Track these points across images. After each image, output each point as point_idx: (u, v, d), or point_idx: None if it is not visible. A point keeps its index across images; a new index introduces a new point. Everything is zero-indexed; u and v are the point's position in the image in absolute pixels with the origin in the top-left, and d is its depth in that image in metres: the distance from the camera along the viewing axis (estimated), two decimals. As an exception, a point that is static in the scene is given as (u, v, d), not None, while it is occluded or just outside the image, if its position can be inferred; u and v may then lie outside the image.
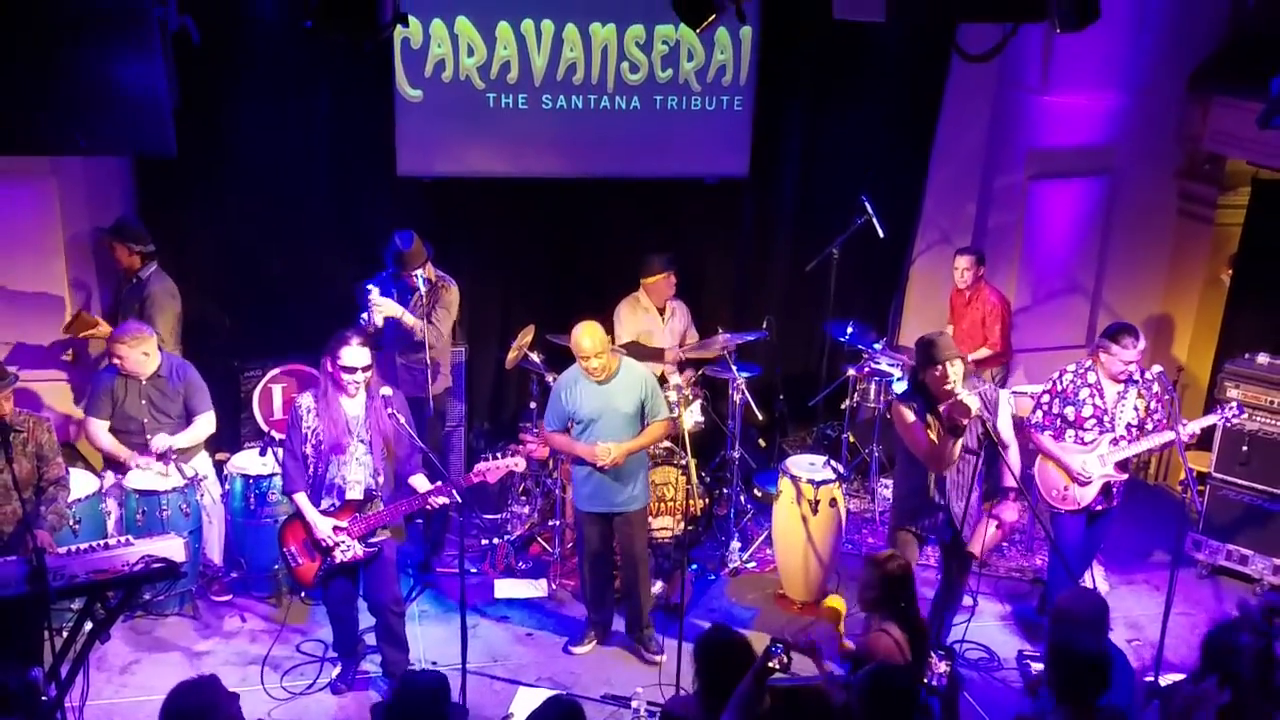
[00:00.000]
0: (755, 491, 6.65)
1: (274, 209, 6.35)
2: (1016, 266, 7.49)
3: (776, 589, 5.95)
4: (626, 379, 5.01)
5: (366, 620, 5.02)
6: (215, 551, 5.62)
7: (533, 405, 6.28)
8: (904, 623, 4.10)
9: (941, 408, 4.59)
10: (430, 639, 5.39)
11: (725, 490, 6.47)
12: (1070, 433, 5.23)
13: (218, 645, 5.32)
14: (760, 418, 6.44)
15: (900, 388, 5.95)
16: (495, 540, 6.15)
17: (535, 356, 6.04)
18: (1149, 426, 5.19)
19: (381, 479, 4.75)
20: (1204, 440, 6.02)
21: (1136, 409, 5.18)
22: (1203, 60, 7.15)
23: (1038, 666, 5.23)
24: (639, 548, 5.19)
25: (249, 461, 5.64)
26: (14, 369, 4.73)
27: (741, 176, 6.86)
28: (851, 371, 6.61)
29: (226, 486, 5.64)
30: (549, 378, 6.00)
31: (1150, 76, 7.17)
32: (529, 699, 4.93)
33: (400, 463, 4.80)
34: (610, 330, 5.86)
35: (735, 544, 6.22)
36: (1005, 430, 4.82)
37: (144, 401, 5.32)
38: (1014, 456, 4.83)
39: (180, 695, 3.12)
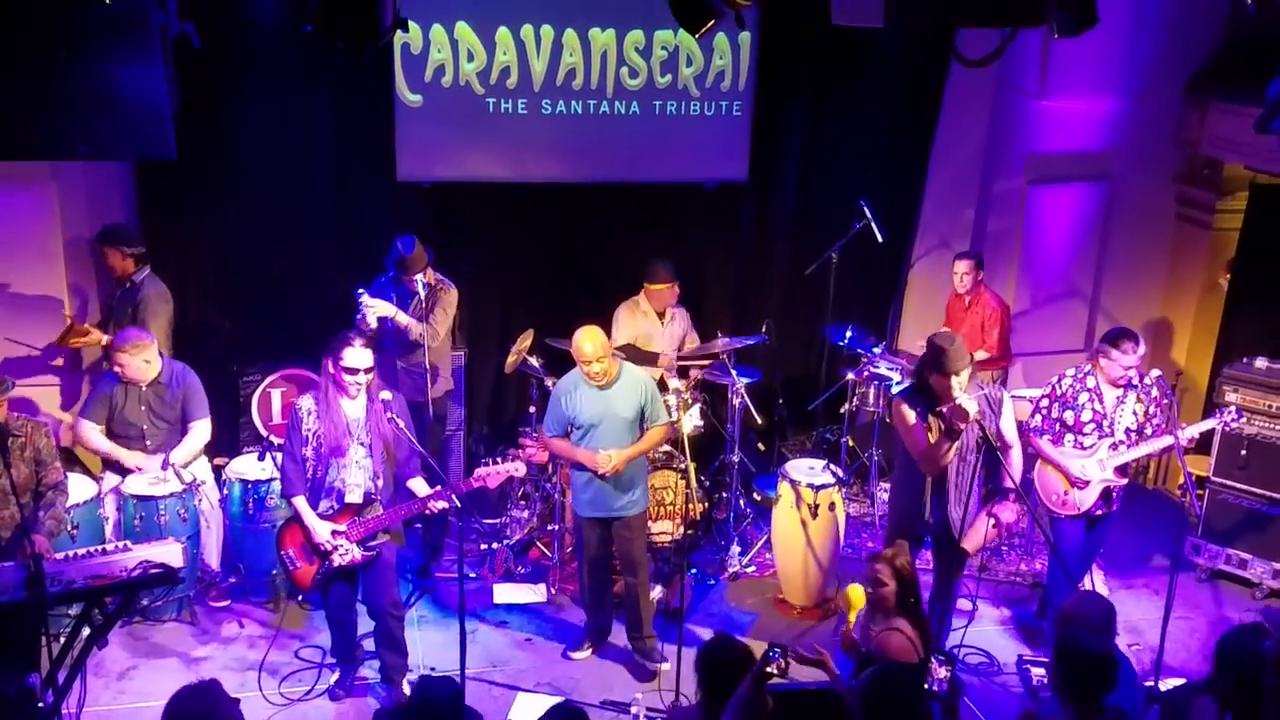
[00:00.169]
0: (754, 496, 6.64)
1: (274, 213, 6.36)
2: (1015, 271, 7.49)
3: (776, 593, 5.94)
4: (626, 384, 5.01)
5: (365, 625, 5.01)
6: (213, 557, 5.61)
7: (532, 410, 6.28)
8: (914, 619, 4.13)
9: (942, 409, 4.59)
10: (429, 644, 5.38)
11: (724, 494, 6.47)
12: (1069, 437, 5.23)
13: (216, 651, 5.31)
14: (759, 422, 6.44)
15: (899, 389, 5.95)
16: (494, 545, 6.14)
17: (534, 361, 6.04)
18: (1148, 431, 5.19)
19: (381, 482, 4.74)
20: (1203, 444, 6.02)
21: (1135, 414, 5.18)
22: (1200, 65, 7.17)
23: (1038, 671, 5.23)
24: (638, 553, 5.19)
25: (247, 466, 5.64)
26: (9, 377, 4.72)
27: (741, 181, 6.86)
28: (851, 375, 6.61)
29: (225, 491, 5.63)
30: (548, 382, 6.00)
31: (1148, 81, 7.18)
32: (528, 704, 4.92)
33: (399, 466, 4.79)
34: (609, 334, 5.86)
35: (735, 548, 6.22)
36: (1009, 431, 4.82)
37: (143, 408, 5.32)
38: (1016, 457, 4.84)
39: (182, 700, 3.11)
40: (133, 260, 5.76)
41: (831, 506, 5.69)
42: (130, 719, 4.78)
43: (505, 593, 5.87)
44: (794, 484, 5.71)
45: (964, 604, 5.74)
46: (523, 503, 6.34)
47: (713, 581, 6.08)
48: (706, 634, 5.44)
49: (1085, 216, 7.55)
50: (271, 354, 6.41)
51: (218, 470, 5.73)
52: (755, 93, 6.69)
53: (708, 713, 3.47)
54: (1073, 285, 7.65)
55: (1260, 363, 6.06)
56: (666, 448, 5.79)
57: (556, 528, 6.02)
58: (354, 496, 4.72)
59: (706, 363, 6.41)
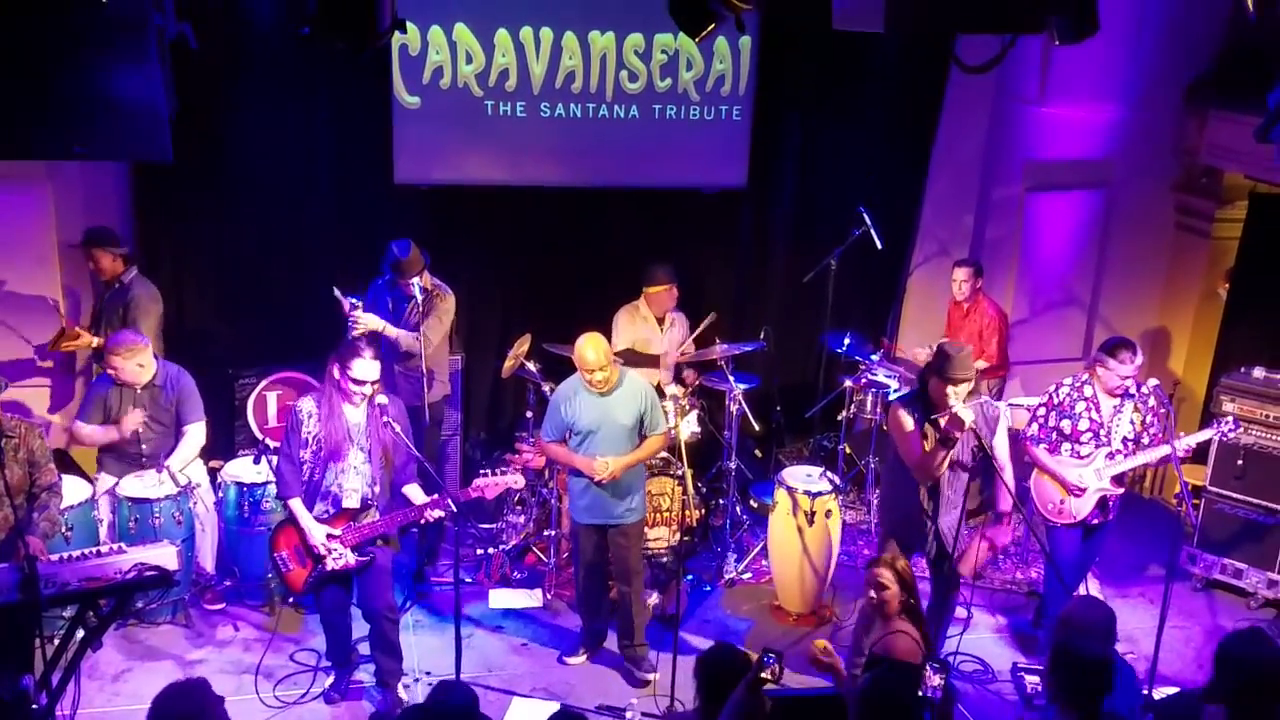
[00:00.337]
0: (751, 502, 6.63)
1: (271, 216, 6.34)
2: (1014, 278, 7.49)
3: (772, 600, 5.93)
4: (627, 391, 5.00)
5: (360, 629, 4.99)
6: (208, 560, 5.60)
7: (529, 414, 6.27)
8: (916, 621, 4.14)
9: (939, 418, 4.58)
10: (424, 648, 5.36)
11: (721, 501, 6.45)
12: (1066, 446, 5.22)
13: (210, 654, 5.29)
14: (757, 428, 6.43)
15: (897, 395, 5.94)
16: (490, 550, 6.13)
17: (532, 366, 6.03)
18: (1145, 441, 5.18)
19: (378, 489, 4.73)
20: (1199, 454, 6.01)
21: (1133, 423, 5.17)
22: (1200, 73, 7.17)
23: (1032, 679, 5.22)
24: (634, 560, 5.17)
25: (243, 469, 5.62)
26: (2, 378, 4.71)
27: (740, 187, 6.86)
28: (848, 383, 6.60)
29: (220, 494, 5.61)
30: (545, 387, 5.99)
31: (1148, 89, 7.18)
32: (524, 709, 4.91)
33: (396, 471, 4.77)
34: (609, 340, 5.85)
35: (731, 556, 6.20)
36: (1000, 451, 4.81)
37: (138, 410, 5.29)
38: (1007, 479, 4.83)
39: (169, 699, 3.09)
40: (121, 261, 5.75)
41: (828, 514, 5.67)
42: (123, 722, 4.77)
43: (501, 598, 5.85)
44: (791, 491, 5.70)
45: (959, 611, 5.74)
46: (519, 508, 6.33)
47: (709, 588, 6.07)
48: (702, 640, 5.45)
49: (1084, 224, 7.55)
50: (267, 357, 6.40)
51: (213, 473, 5.72)
52: (755, 98, 6.68)
53: (705, 719, 3.46)
54: (1071, 293, 7.65)
55: (1258, 372, 6.06)
56: (664, 454, 5.78)
57: (553, 533, 6.00)
58: (351, 501, 4.70)
59: (710, 358, 6.36)
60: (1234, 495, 6.05)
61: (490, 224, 6.71)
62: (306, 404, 4.71)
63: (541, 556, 6.10)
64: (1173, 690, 4.46)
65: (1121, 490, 5.26)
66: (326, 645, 5.02)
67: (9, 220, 6.02)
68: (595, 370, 4.87)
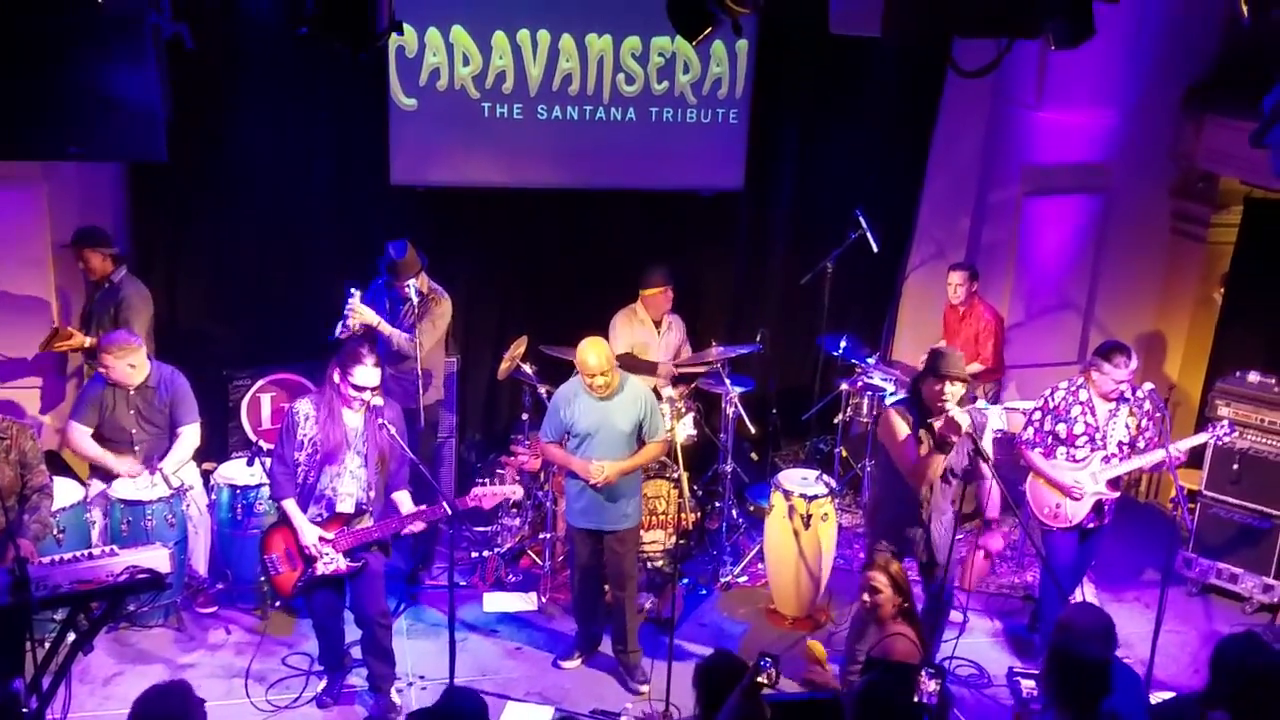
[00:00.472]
0: (747, 505, 6.63)
1: (267, 216, 6.32)
2: (1010, 282, 7.49)
3: (768, 604, 5.91)
4: (627, 396, 4.98)
5: (353, 633, 4.97)
6: (201, 562, 5.57)
7: (525, 417, 6.25)
8: (913, 623, 4.13)
9: (934, 422, 4.58)
10: (418, 653, 5.34)
11: (717, 504, 6.44)
12: (1061, 450, 5.22)
13: (202, 657, 5.26)
14: (753, 431, 6.42)
15: (893, 400, 5.94)
16: (485, 553, 6.11)
17: (527, 368, 6.01)
18: (1140, 445, 5.18)
19: (373, 494, 4.71)
20: (1195, 458, 6.02)
21: (1128, 427, 5.17)
22: (1196, 79, 7.18)
23: (1028, 683, 5.21)
24: (628, 566, 5.16)
25: (236, 471, 5.60)
26: None
27: (736, 189, 6.85)
28: (845, 386, 6.60)
29: (213, 496, 5.59)
30: (541, 389, 5.97)
31: (1144, 94, 7.19)
32: (518, 714, 4.89)
33: (389, 476, 4.76)
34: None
35: (727, 559, 6.19)
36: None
37: (131, 411, 5.27)
38: (992, 491, 4.83)
39: (150, 701, 3.07)
40: (111, 261, 5.73)
41: (824, 517, 5.67)
42: (114, 726, 4.75)
43: (496, 601, 5.84)
44: (787, 494, 5.69)
45: (955, 615, 5.73)
46: (514, 510, 6.31)
47: (704, 591, 6.05)
48: (697, 644, 5.44)
49: (1080, 228, 7.56)
50: (262, 358, 6.37)
51: (206, 475, 5.69)
52: (752, 101, 6.68)
53: (704, 728, 3.45)
54: (1067, 297, 7.66)
55: (1253, 377, 6.07)
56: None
57: (548, 536, 5.98)
58: (345, 506, 4.68)
59: (704, 370, 6.38)
60: (1229, 499, 6.05)
61: (486, 226, 6.69)
62: (304, 405, 4.69)
63: (536, 559, 6.09)
64: (1169, 695, 4.46)
65: (1117, 494, 5.26)
66: (319, 649, 5.00)
67: (3, 220, 5.99)
68: (596, 374, 4.86)
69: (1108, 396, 5.14)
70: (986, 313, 6.79)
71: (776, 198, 7.04)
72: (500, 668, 5.32)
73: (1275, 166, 3.63)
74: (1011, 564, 6.38)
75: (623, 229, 6.81)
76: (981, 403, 5.11)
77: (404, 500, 4.76)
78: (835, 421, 6.71)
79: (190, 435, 5.39)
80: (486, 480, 4.83)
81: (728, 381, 6.14)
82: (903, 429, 4.69)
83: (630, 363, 6.12)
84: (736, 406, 6.20)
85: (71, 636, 4.17)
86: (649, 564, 5.89)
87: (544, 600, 5.84)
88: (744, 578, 6.19)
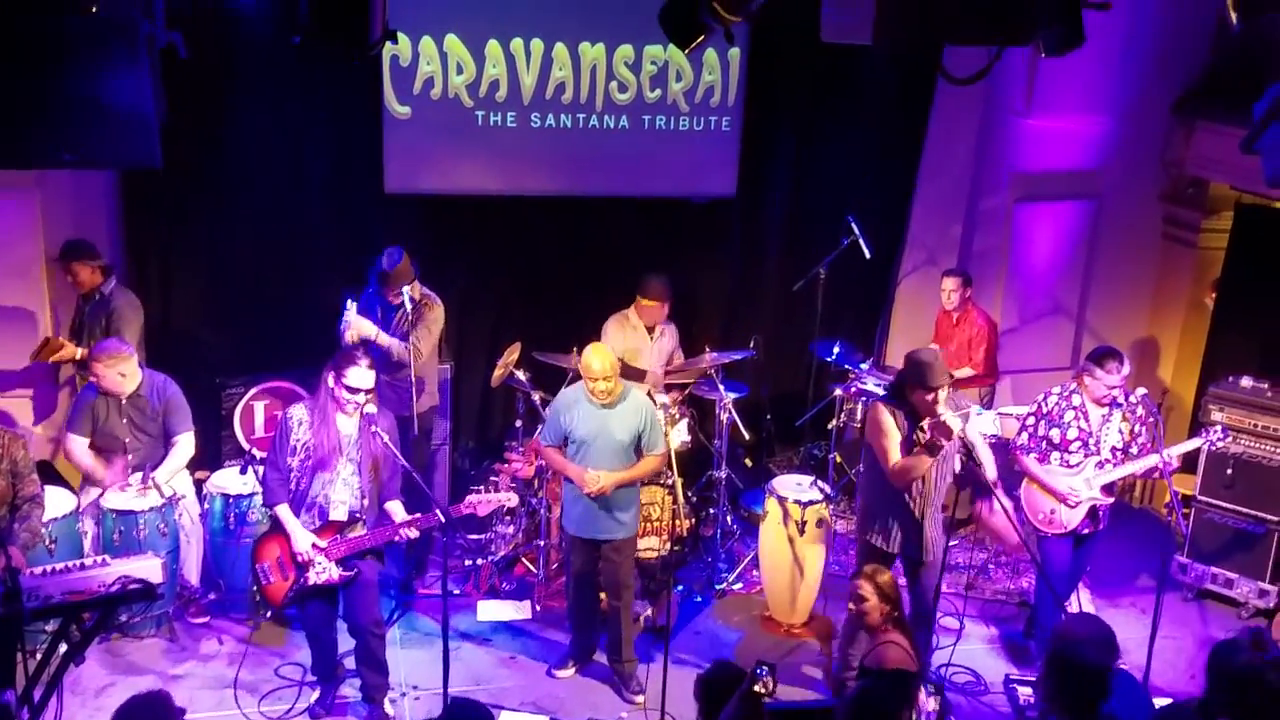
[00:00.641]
0: (742, 512, 6.62)
1: (261, 224, 6.31)
2: (1002, 288, 7.51)
3: (763, 611, 5.90)
4: (628, 407, 4.98)
5: (346, 643, 4.94)
6: (193, 572, 5.54)
7: (519, 424, 6.24)
8: (904, 631, 4.13)
9: (925, 424, 4.57)
10: (412, 662, 5.32)
11: (712, 510, 6.44)
12: (1055, 455, 5.23)
13: (194, 668, 5.23)
14: (747, 437, 6.41)
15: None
16: (479, 561, 6.09)
17: (521, 375, 6.01)
18: (1134, 450, 5.19)
19: (366, 502, 4.69)
20: (1189, 463, 6.03)
21: (1121, 432, 5.18)
22: (1186, 85, 7.22)
23: (1025, 690, 5.20)
24: (624, 575, 5.14)
25: (229, 480, 5.57)
26: None
27: (729, 196, 6.87)
28: (838, 391, 6.60)
29: (206, 506, 5.56)
30: (535, 396, 5.97)
31: (1134, 101, 7.23)
32: (512, 723, 4.88)
33: (382, 485, 4.74)
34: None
35: (722, 566, 6.19)
36: (974, 434, 4.82)
37: (124, 420, 5.25)
38: (988, 460, 4.83)
39: (131, 711, 3.07)
40: (100, 272, 5.71)
41: (819, 523, 5.66)
42: (106, 737, 4.71)
43: (489, 609, 5.81)
44: (781, 500, 5.68)
45: (951, 623, 5.73)
46: (508, 518, 6.29)
47: (699, 598, 6.04)
48: (693, 654, 5.43)
49: (1071, 234, 7.59)
50: (255, 366, 6.36)
51: (199, 484, 5.67)
52: (744, 108, 6.70)
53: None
54: (1059, 303, 7.68)
55: (1246, 381, 6.09)
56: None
57: (542, 543, 5.97)
58: (338, 514, 4.66)
59: (693, 379, 6.39)
60: (1224, 504, 6.06)
61: (480, 233, 6.69)
62: (298, 411, 4.67)
63: (530, 567, 6.07)
64: (1166, 701, 4.45)
65: (1111, 499, 5.26)
66: (312, 659, 4.97)
67: (-4, 228, 5.98)
68: (600, 379, 4.85)
69: (1100, 402, 5.15)
70: (979, 318, 6.80)
71: (769, 204, 7.06)
72: (494, 677, 5.30)
73: (1266, 172, 3.64)
74: (1007, 569, 6.38)
75: (616, 236, 6.82)
76: (975, 408, 5.11)
77: (397, 510, 4.74)
78: (829, 427, 6.71)
79: (185, 444, 5.38)
80: (481, 488, 4.81)
81: (721, 387, 6.14)
82: (890, 428, 4.69)
83: (622, 369, 6.10)
84: (730, 412, 6.20)
85: (63, 647, 4.14)
86: (644, 567, 5.87)
87: (538, 608, 5.82)
88: (739, 584, 6.18)
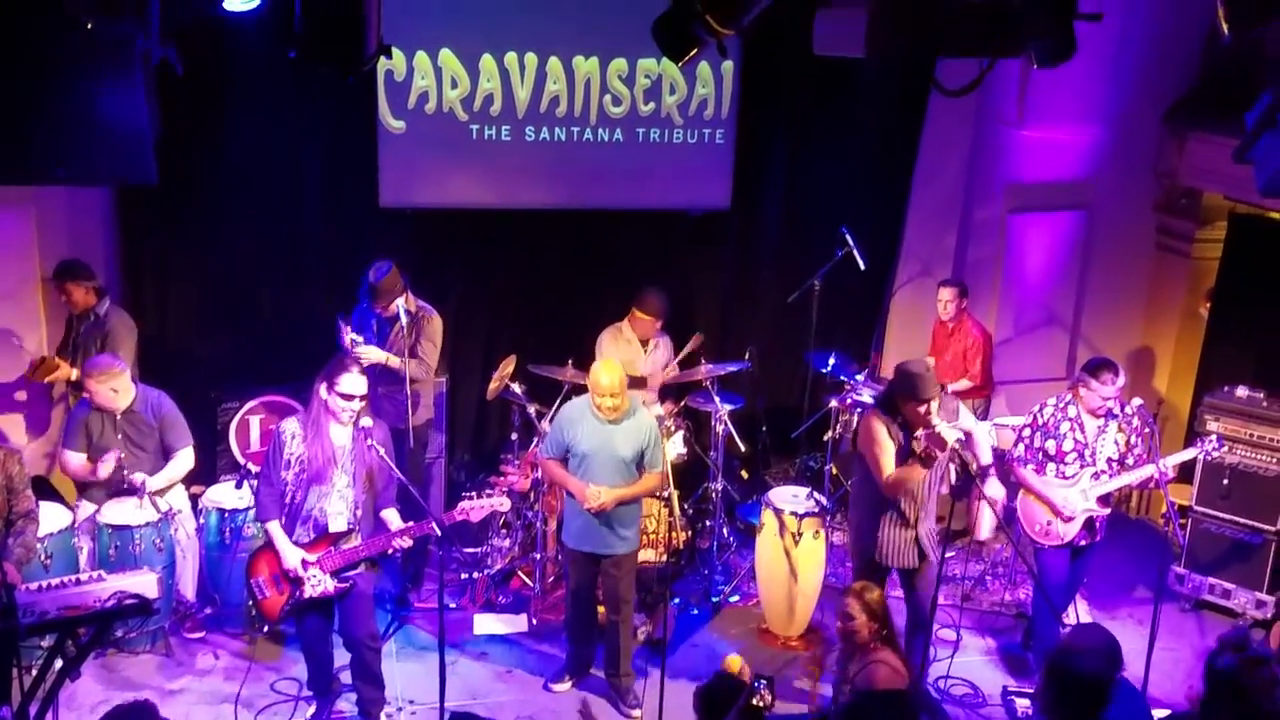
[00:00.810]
0: (738, 524, 6.61)
1: (256, 239, 6.32)
2: (996, 298, 7.53)
3: (760, 623, 5.89)
4: (633, 424, 4.97)
5: (342, 657, 4.92)
6: (189, 587, 5.53)
7: (514, 437, 6.23)
8: (893, 648, 4.11)
9: (919, 435, 4.57)
10: (407, 676, 5.30)
11: (708, 522, 6.43)
12: (1051, 466, 5.23)
13: (190, 683, 5.21)
14: (743, 449, 6.41)
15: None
16: (475, 574, 6.08)
17: (517, 387, 6.01)
18: (1129, 461, 5.20)
19: (360, 513, 4.68)
20: (1185, 473, 6.03)
21: (1117, 443, 5.19)
22: (1179, 95, 7.25)
23: (1022, 703, 5.19)
24: (624, 590, 5.12)
25: (224, 495, 5.56)
26: None
27: (724, 209, 6.88)
28: (834, 403, 6.60)
29: (201, 520, 5.55)
30: (530, 409, 5.96)
31: (1127, 111, 7.26)
32: (509, 737, 4.85)
33: (376, 496, 4.73)
34: (592, 359, 5.83)
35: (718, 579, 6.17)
36: (965, 423, 4.83)
37: (119, 436, 5.25)
38: (985, 447, 4.83)
39: None
40: (94, 293, 5.71)
41: (815, 535, 5.66)
42: (101, 754, 4.68)
43: (486, 623, 5.80)
44: (777, 512, 5.68)
45: (949, 634, 5.72)
46: (504, 531, 6.28)
47: (696, 611, 6.03)
48: (690, 667, 5.41)
49: (1065, 245, 7.61)
50: (250, 381, 6.35)
51: (194, 499, 5.65)
52: (738, 121, 6.72)
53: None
54: (1053, 313, 7.70)
55: (1241, 391, 6.09)
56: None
57: (538, 556, 5.96)
58: (334, 525, 4.65)
59: (696, 376, 6.35)
60: (1220, 515, 6.06)
61: (475, 246, 6.70)
62: (290, 425, 4.66)
63: (527, 580, 6.05)
64: (1165, 713, 4.44)
65: (1108, 510, 5.26)
66: (307, 674, 4.95)
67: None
68: (607, 395, 4.85)
69: (1095, 413, 5.15)
70: (975, 329, 6.82)
71: (763, 216, 7.07)
72: (490, 691, 5.28)
73: (1259, 182, 3.66)
74: (1004, 581, 6.37)
75: (611, 249, 6.83)
76: (970, 417, 5.11)
77: (392, 518, 4.73)
78: (824, 439, 6.71)
79: (185, 458, 5.38)
80: (473, 493, 4.80)
81: (717, 399, 6.14)
82: (884, 439, 4.69)
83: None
84: (726, 424, 6.20)
85: (59, 663, 4.12)
86: (641, 576, 5.85)
87: (534, 622, 5.80)
88: (735, 596, 6.17)
